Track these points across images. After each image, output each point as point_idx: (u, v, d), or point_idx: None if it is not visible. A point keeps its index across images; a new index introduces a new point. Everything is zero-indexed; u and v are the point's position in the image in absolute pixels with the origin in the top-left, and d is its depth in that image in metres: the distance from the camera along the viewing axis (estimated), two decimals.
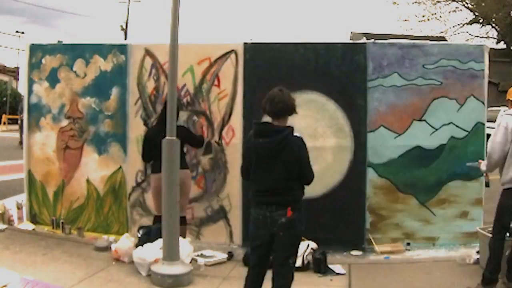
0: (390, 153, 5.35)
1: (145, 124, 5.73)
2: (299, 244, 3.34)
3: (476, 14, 23.39)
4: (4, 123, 24.84)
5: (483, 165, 4.28)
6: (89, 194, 5.92)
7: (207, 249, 5.21)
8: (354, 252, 5.27)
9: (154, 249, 4.55)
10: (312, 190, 5.27)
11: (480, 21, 23.54)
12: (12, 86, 28.50)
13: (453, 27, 23.91)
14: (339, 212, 5.36)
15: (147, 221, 5.50)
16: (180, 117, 5.12)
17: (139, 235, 4.98)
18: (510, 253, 4.07)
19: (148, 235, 4.83)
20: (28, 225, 6.00)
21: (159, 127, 4.90)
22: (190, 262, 4.66)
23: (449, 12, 23.42)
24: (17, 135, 16.56)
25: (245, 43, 5.55)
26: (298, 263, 4.69)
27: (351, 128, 5.38)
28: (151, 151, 5.00)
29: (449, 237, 5.27)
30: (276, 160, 3.17)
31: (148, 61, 5.73)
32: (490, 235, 4.18)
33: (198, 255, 4.92)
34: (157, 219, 4.97)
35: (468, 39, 21.89)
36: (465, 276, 4.49)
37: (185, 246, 4.66)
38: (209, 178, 5.59)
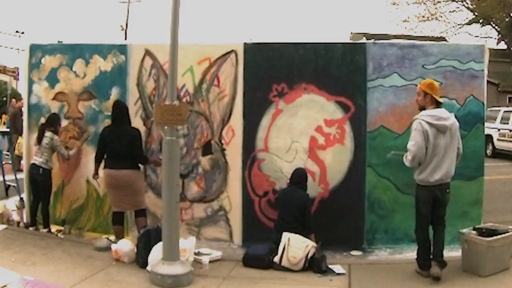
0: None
1: (145, 124, 5.73)
2: None
3: (476, 14, 23.38)
4: (4, 123, 24.77)
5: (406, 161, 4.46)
6: (89, 194, 5.92)
7: (207, 248, 5.21)
8: (354, 252, 5.27)
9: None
10: (312, 190, 5.32)
11: (480, 21, 23.54)
12: (12, 86, 28.47)
13: (453, 27, 23.91)
14: (339, 212, 5.36)
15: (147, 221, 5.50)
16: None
17: (138, 236, 4.97)
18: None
19: (147, 236, 4.82)
20: None
21: (111, 127, 5.32)
22: (194, 260, 4.68)
23: (449, 12, 23.45)
24: None
25: (245, 43, 5.54)
26: (298, 263, 4.70)
27: (351, 128, 5.38)
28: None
29: (449, 237, 5.26)
30: None
31: (148, 61, 5.73)
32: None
33: (195, 253, 4.91)
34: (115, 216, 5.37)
35: (468, 39, 21.90)
36: (465, 276, 4.49)
37: (187, 242, 4.67)
38: (209, 178, 5.59)
